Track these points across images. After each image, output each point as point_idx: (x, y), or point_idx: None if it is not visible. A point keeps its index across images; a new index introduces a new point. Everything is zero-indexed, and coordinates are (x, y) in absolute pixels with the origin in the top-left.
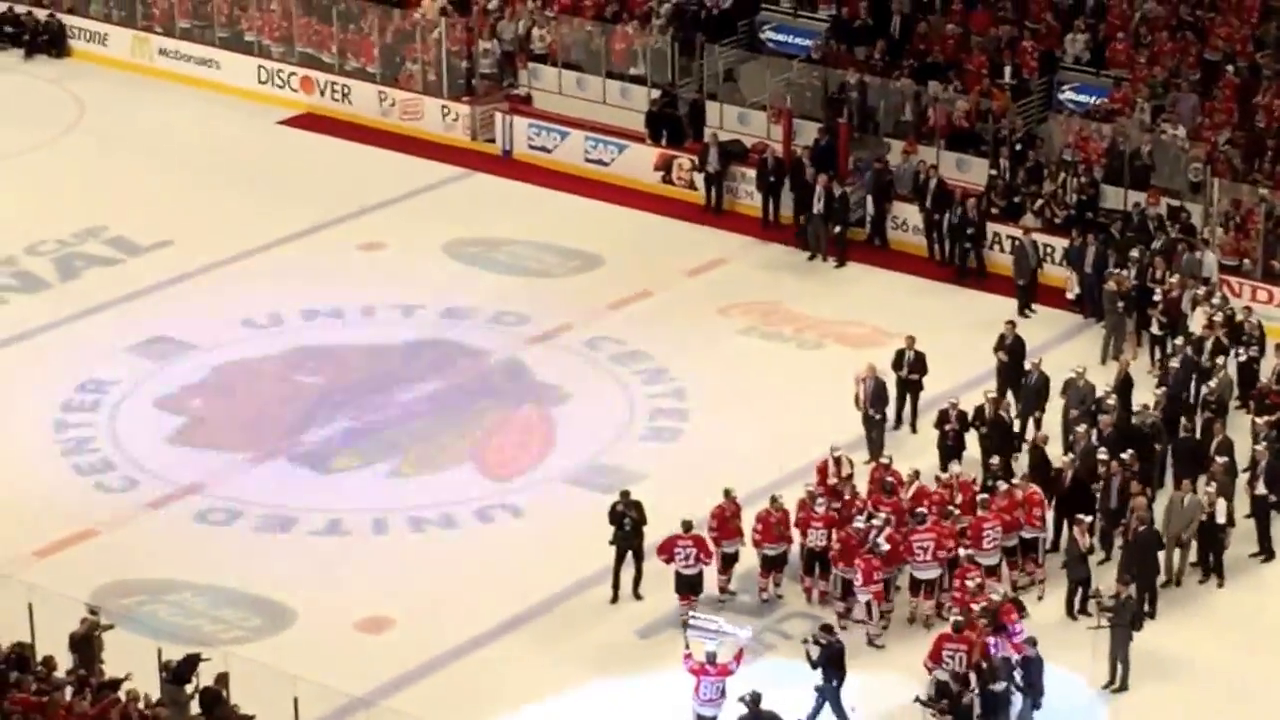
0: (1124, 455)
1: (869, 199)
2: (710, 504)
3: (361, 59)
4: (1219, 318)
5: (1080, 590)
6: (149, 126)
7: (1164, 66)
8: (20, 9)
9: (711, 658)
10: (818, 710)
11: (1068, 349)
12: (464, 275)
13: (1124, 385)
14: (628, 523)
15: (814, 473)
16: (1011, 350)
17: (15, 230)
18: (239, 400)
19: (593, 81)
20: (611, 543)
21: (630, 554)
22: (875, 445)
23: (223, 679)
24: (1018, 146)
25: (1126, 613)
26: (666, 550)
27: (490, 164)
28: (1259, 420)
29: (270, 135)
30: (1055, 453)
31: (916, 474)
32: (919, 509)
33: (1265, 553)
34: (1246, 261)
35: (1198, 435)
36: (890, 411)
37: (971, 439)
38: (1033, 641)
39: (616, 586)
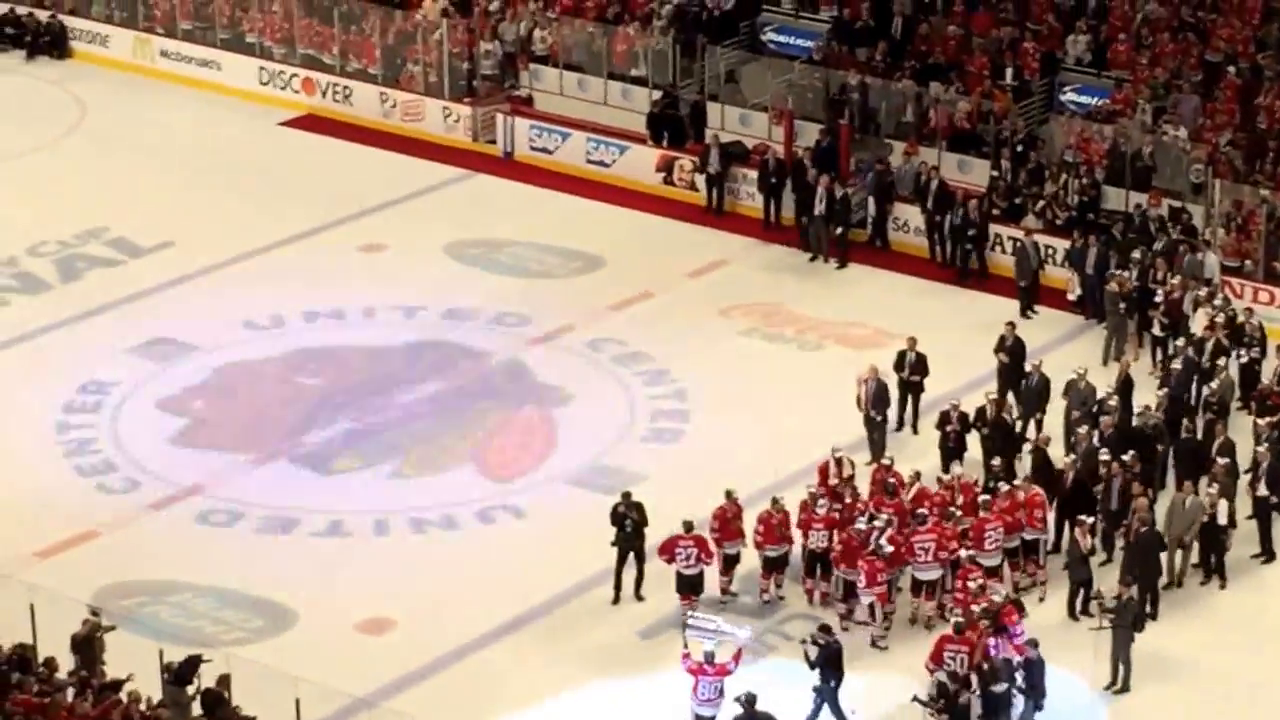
0: (1125, 457)
1: (870, 200)
2: (711, 505)
3: (363, 60)
4: (1220, 319)
5: (1082, 591)
6: (150, 128)
7: (1165, 68)
8: (22, 10)
9: (709, 657)
10: (817, 711)
11: (1069, 350)
12: (465, 276)
13: (1124, 386)
14: (629, 524)
15: (815, 474)
16: (1012, 351)
17: (16, 231)
18: (240, 401)
19: (594, 83)
20: (613, 544)
21: (632, 555)
22: (876, 446)
23: (224, 680)
24: (1019, 148)
25: (1128, 614)
26: (667, 550)
27: (491, 165)
28: (1260, 421)
29: (271, 136)
30: (1057, 454)
31: (918, 475)
32: (920, 510)
33: (1266, 554)
34: (1248, 263)
35: (1199, 436)
36: (892, 413)
37: (973, 440)
38: (1034, 643)
39: (618, 587)
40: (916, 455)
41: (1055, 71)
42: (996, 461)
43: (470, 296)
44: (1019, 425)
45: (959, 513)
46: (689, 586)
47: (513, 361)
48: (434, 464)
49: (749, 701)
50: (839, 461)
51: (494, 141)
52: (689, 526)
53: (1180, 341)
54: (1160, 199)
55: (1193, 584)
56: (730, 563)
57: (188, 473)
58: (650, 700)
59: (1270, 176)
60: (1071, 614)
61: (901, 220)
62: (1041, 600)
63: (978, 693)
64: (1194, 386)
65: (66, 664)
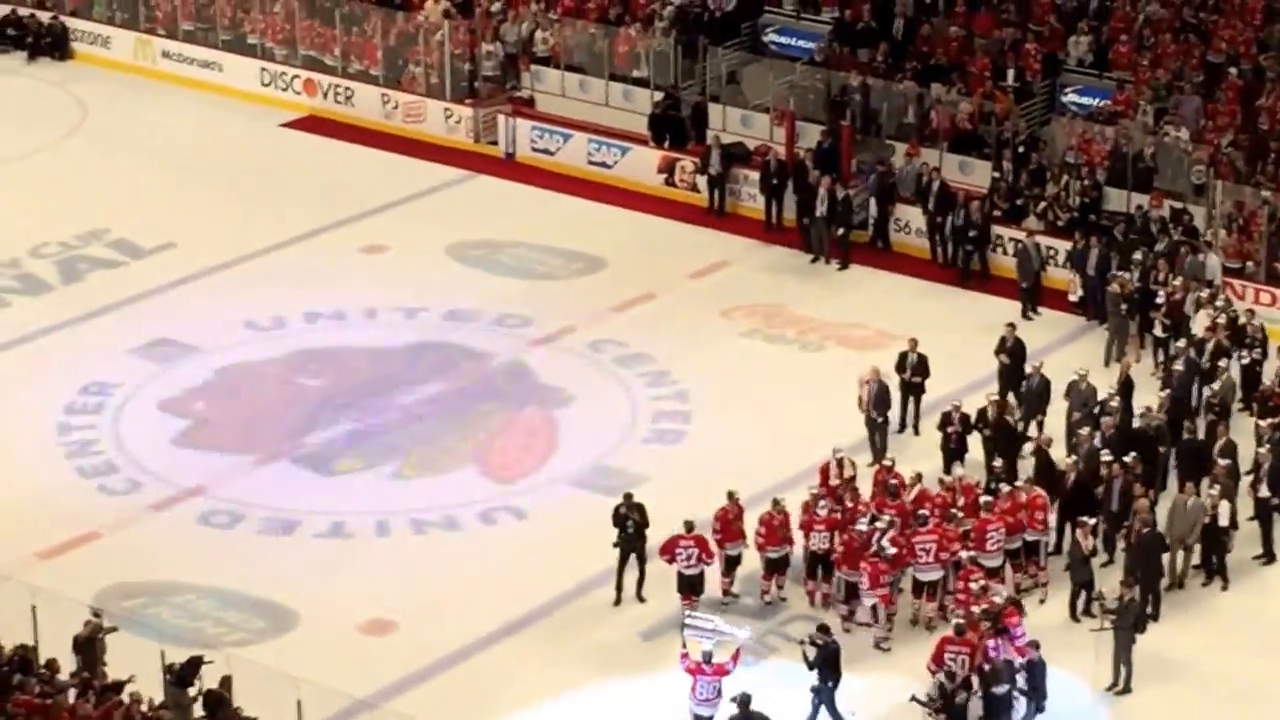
0: (1127, 458)
1: (872, 201)
2: (713, 506)
3: (364, 61)
4: (1222, 320)
5: (1083, 593)
6: (152, 129)
7: (1167, 69)
8: (23, 11)
9: (707, 657)
10: (816, 712)
11: (1070, 351)
12: (467, 277)
13: (1125, 387)
14: (630, 525)
15: (816, 475)
16: (1012, 353)
17: (18, 233)
18: (242, 402)
19: (595, 84)
20: (614, 545)
21: (633, 556)
22: (878, 448)
23: (226, 682)
24: (1020, 149)
25: (1129, 615)
26: (668, 550)
27: (493, 166)
28: (1262, 423)
29: (273, 138)
30: (1058, 455)
31: (919, 477)
32: (921, 511)
33: (1267, 555)
34: (1250, 264)
35: (1200, 438)
36: (893, 414)
37: (974, 441)
38: (1036, 644)
39: (619, 589)
40: (918, 456)
41: (1057, 73)
42: (998, 463)
43: (472, 298)
44: (1020, 426)
45: (960, 514)
46: (690, 587)
47: (514, 363)
48: (435, 465)
49: (744, 702)
50: (840, 463)
51: (495, 143)
52: (690, 527)
53: (1181, 343)
54: (1162, 200)
55: (1194, 585)
56: (732, 564)
57: (189, 474)
58: (652, 701)
59: (1272, 178)
60: (1073, 615)
61: (903, 221)
62: (1042, 602)
63: (979, 694)
64: (1195, 388)
65: (68, 665)
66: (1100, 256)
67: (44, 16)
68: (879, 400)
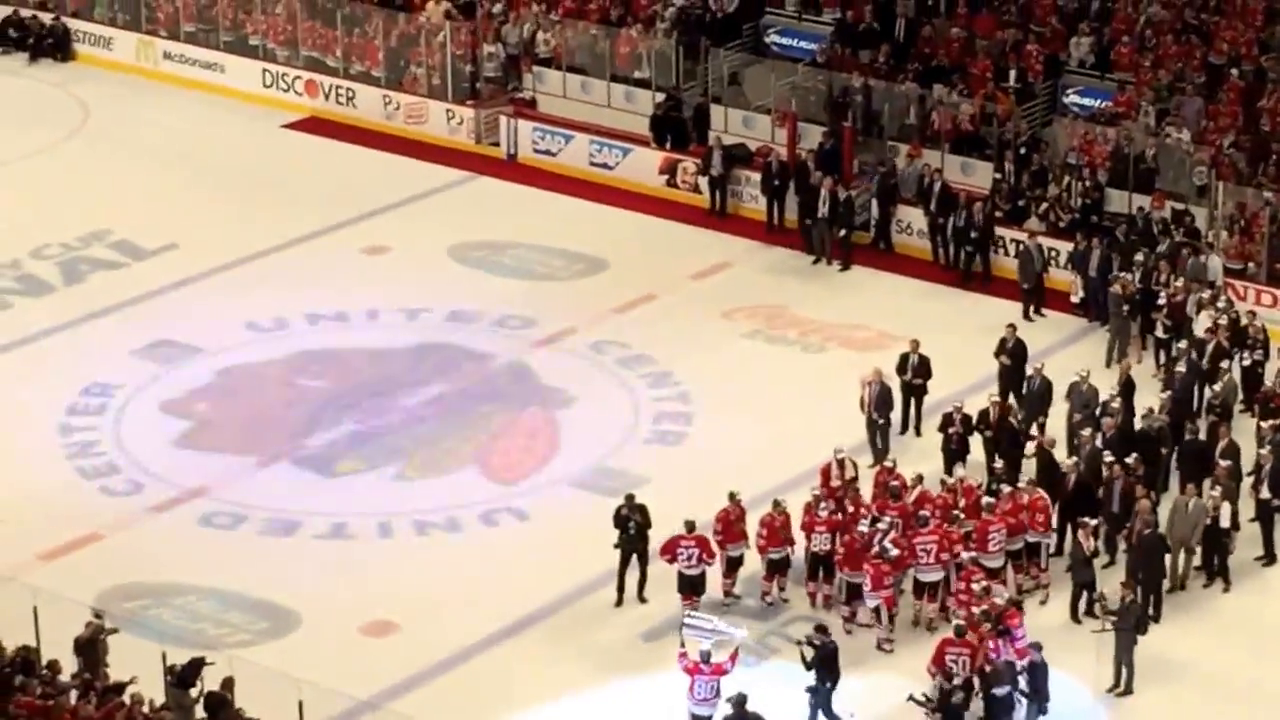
0: (1129, 459)
1: (873, 202)
2: (715, 507)
3: (366, 63)
4: (1223, 321)
5: (1085, 594)
6: (153, 130)
7: (1169, 70)
8: (25, 13)
9: (705, 657)
10: (815, 713)
11: (1072, 353)
12: (468, 279)
13: (1126, 388)
14: (632, 526)
15: (817, 475)
16: (1013, 354)
17: (20, 234)
18: (243, 404)
19: (597, 85)
20: (616, 546)
21: (635, 557)
22: (879, 449)
23: (228, 683)
24: (1022, 150)
25: (1131, 616)
26: (669, 550)
27: (495, 167)
28: (1264, 424)
29: (274, 139)
30: (1061, 457)
31: (920, 478)
32: (922, 512)
33: (1268, 557)
34: (1251, 265)
35: (1202, 438)
36: (895, 415)
37: (975, 442)
38: (1038, 646)
39: (621, 590)
40: (919, 458)
41: (1058, 74)
42: (999, 464)
43: (473, 299)
44: (1022, 428)
45: (962, 515)
46: (691, 587)
47: (516, 364)
48: (437, 466)
49: (739, 703)
50: (841, 463)
51: (497, 144)
52: (691, 526)
53: (1183, 344)
54: (1163, 201)
55: (1195, 587)
56: (733, 565)
57: (191, 475)
58: (654, 702)
59: (1273, 179)
60: (1074, 616)
61: (905, 223)
62: (1043, 603)
63: (980, 695)
64: (1197, 389)
65: (70, 666)
66: (1102, 258)
67: (46, 18)
68: (881, 402)
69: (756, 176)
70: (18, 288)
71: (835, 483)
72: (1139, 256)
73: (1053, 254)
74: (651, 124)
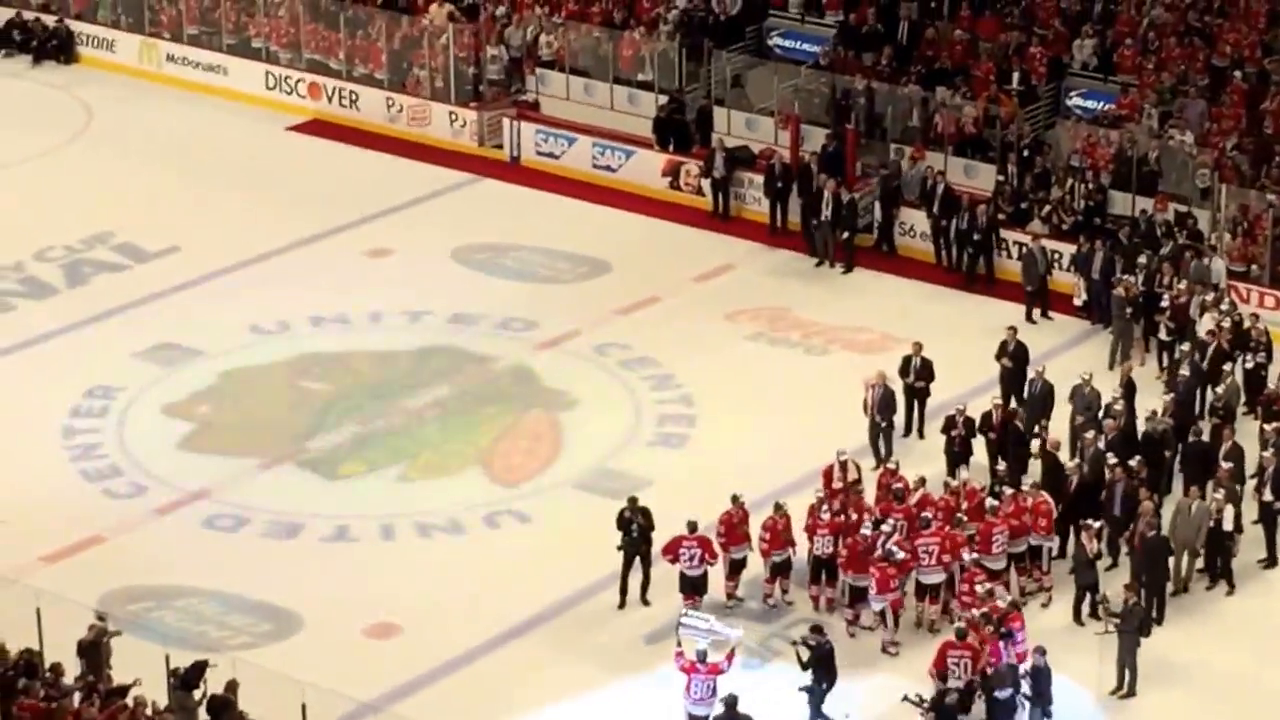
0: (1131, 462)
1: (876, 205)
2: (717, 509)
3: (369, 65)
4: (1226, 324)
5: (1088, 596)
6: (156, 132)
7: (1172, 72)
8: (29, 15)
9: (702, 656)
10: (815, 713)
11: (1075, 355)
12: (471, 281)
13: (1128, 391)
14: (635, 528)
15: (820, 478)
16: (1015, 356)
17: (23, 236)
18: (246, 406)
19: (600, 87)
20: (619, 548)
21: (638, 559)
22: (881, 452)
23: (232, 685)
24: (1025, 152)
25: (1134, 619)
26: (671, 551)
27: (498, 170)
28: (1267, 427)
29: (278, 141)
30: (1064, 459)
31: (923, 480)
32: (924, 513)
33: (1271, 559)
34: (1254, 267)
35: (1205, 439)
36: (898, 418)
37: (978, 445)
38: (1042, 651)
39: (624, 592)
40: (921, 460)
41: (1061, 76)
42: (1001, 466)
43: (476, 301)
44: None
45: (965, 518)
46: (693, 587)
47: (519, 366)
48: (440, 468)
49: (731, 703)
50: (843, 465)
51: (500, 146)
52: (693, 527)
53: (1186, 346)
54: (1166, 204)
55: (1198, 589)
56: (736, 568)
57: (194, 477)
58: (656, 704)
59: (1276, 181)
60: (1077, 618)
61: (908, 225)
62: (1045, 606)
63: (981, 698)
64: (1199, 392)
65: (73, 669)
66: (1105, 260)
67: (49, 20)
68: (884, 404)
69: (759, 179)
70: (21, 290)
71: (837, 484)
72: (1142, 259)
73: (1056, 256)
74: (654, 126)
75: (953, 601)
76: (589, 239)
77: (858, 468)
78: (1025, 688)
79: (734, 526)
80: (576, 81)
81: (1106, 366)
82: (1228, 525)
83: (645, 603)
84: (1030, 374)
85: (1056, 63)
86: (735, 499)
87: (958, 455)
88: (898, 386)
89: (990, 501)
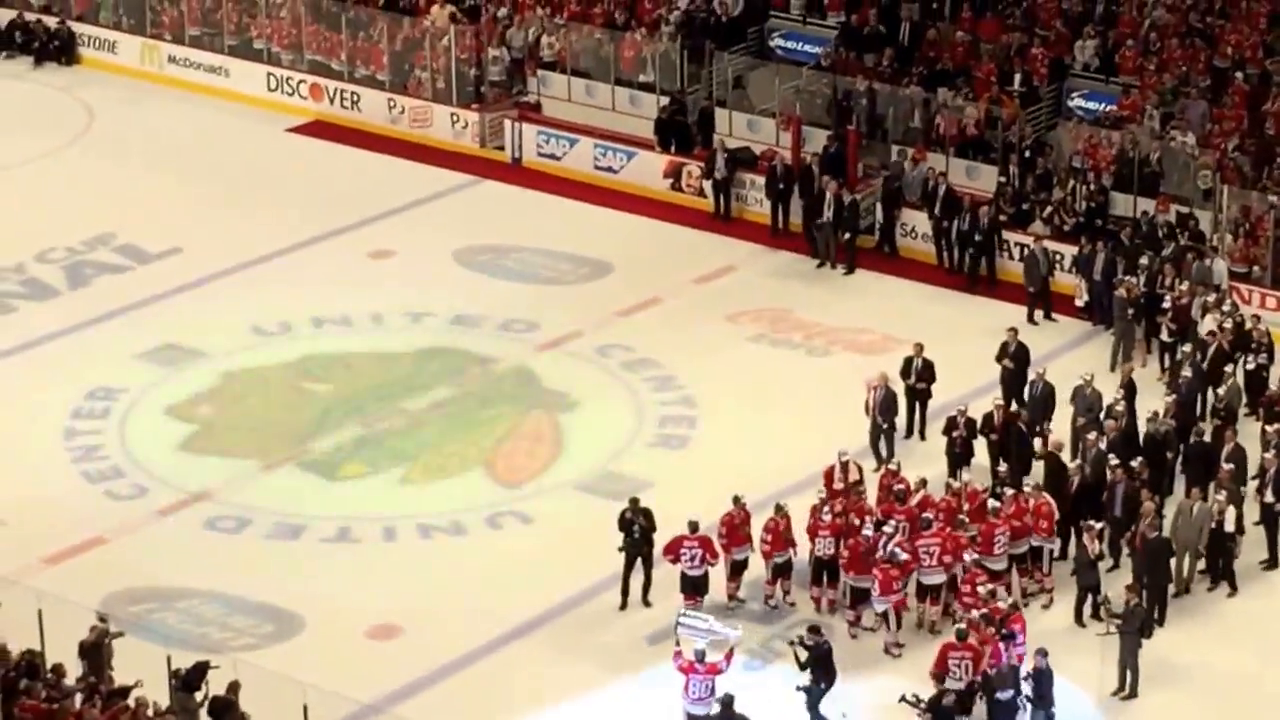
0: (1133, 463)
1: (878, 206)
2: (719, 511)
3: (371, 66)
4: (1228, 325)
5: (1090, 597)
6: (158, 134)
7: (1173, 73)
8: (30, 17)
9: (700, 656)
10: (814, 713)
11: (1077, 356)
12: (473, 282)
13: (1129, 392)
14: (637, 530)
15: (821, 479)
16: (1016, 358)
17: (25, 238)
18: (248, 407)
19: (602, 89)
20: (620, 549)
21: (639, 561)
22: (883, 454)
23: (234, 687)
24: (1027, 154)
25: (1135, 620)
26: (672, 551)
27: (499, 171)
28: (1269, 428)
29: (279, 142)
30: (1066, 460)
31: (924, 482)
32: (925, 514)
33: (1273, 560)
34: (1256, 269)
35: (1207, 440)
36: (899, 419)
37: (980, 446)
38: (1044, 653)
39: (625, 593)
40: (923, 461)
41: (1063, 77)
42: (1002, 467)
43: (478, 302)
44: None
45: (967, 519)
46: (694, 587)
47: (520, 367)
48: (442, 470)
49: (727, 703)
50: (844, 465)
51: (502, 147)
52: (694, 527)
53: (1188, 347)
54: (1168, 205)
55: (1200, 590)
56: (738, 569)
57: (195, 479)
58: (657, 705)
59: (1278, 182)
60: (1078, 619)
61: (909, 226)
62: (1046, 607)
63: (982, 699)
64: (1201, 393)
65: (74, 670)
66: (1106, 261)
67: (50, 21)
68: (885, 406)
69: (761, 180)
70: (22, 291)
71: (838, 486)
72: (1144, 260)
73: (1057, 258)
74: (656, 127)
75: (954, 602)
76: (590, 240)
77: (859, 469)
78: (1026, 689)
79: (735, 528)
80: (578, 83)
81: (1108, 368)
82: (1229, 526)
83: (647, 604)
84: (1031, 375)
85: (1058, 64)
86: (737, 500)
87: (959, 456)
88: (899, 388)
89: (992, 503)
